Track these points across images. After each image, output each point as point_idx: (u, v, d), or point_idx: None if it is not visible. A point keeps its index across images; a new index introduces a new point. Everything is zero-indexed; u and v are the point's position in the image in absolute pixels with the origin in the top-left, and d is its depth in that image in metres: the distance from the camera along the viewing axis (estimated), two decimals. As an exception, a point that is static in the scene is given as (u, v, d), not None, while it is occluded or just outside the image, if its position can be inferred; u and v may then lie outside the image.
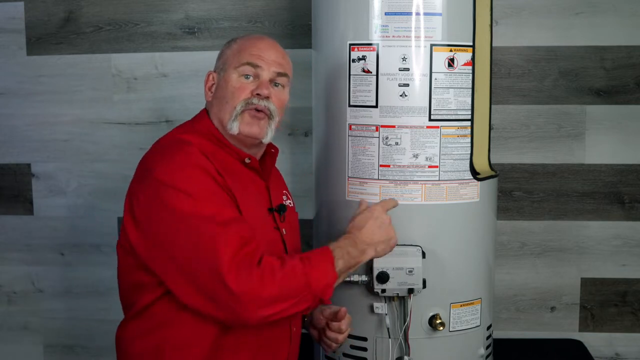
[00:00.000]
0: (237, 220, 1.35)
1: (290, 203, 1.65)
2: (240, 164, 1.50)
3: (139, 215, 1.37)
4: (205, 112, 1.54)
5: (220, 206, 1.35)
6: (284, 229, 1.54)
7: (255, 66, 1.46)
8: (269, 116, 1.47)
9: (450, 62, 1.68)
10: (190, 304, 1.34)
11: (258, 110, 1.45)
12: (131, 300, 1.48)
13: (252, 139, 1.48)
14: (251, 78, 1.47)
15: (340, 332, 1.57)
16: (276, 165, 1.67)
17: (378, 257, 1.52)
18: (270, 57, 1.48)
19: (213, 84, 1.52)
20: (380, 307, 1.70)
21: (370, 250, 1.48)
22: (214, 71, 1.53)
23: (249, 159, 1.50)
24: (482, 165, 1.82)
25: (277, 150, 1.61)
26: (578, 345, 2.30)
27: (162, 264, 1.36)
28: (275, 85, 1.50)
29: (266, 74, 1.47)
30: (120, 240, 1.47)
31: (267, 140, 1.50)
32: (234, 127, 1.45)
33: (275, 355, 1.51)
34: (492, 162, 1.88)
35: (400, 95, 1.67)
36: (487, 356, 1.84)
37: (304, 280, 1.33)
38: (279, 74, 1.49)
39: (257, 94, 1.45)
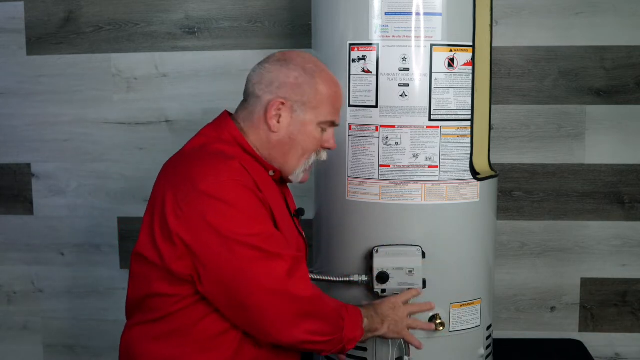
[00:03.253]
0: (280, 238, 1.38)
1: None
2: (266, 174, 1.48)
3: (180, 229, 1.30)
4: (229, 121, 1.46)
5: (264, 223, 1.36)
6: (303, 233, 1.56)
7: (335, 126, 1.48)
8: None
9: (450, 62, 1.68)
10: (240, 324, 1.38)
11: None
12: (148, 307, 1.41)
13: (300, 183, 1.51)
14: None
15: None
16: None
17: (387, 336, 1.57)
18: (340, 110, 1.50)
19: (280, 114, 1.41)
20: (380, 307, 1.70)
21: (387, 323, 1.54)
22: (283, 100, 1.41)
23: (273, 171, 1.49)
24: (482, 165, 1.82)
25: None
26: (578, 345, 2.30)
27: (209, 285, 1.33)
28: None
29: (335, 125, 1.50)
30: (141, 250, 1.38)
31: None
32: (299, 177, 1.48)
33: None
34: (492, 162, 1.88)
35: (400, 95, 1.67)
36: (487, 356, 1.84)
37: (341, 325, 1.40)
38: None
39: (327, 147, 1.48)
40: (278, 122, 1.42)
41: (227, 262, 1.30)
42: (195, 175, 1.32)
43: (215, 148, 1.41)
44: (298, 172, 1.45)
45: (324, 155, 1.47)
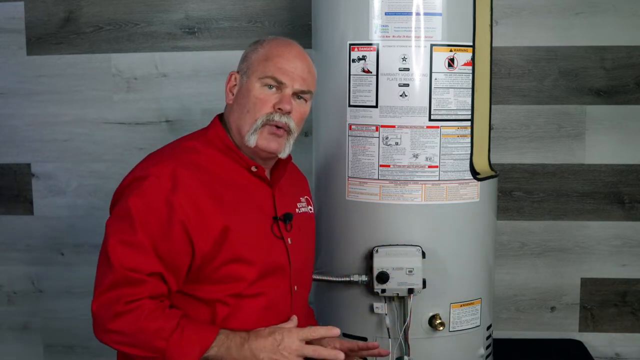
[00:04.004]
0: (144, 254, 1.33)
1: (310, 209, 1.63)
2: (246, 171, 1.48)
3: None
4: (217, 121, 1.51)
5: (135, 232, 1.33)
6: (289, 238, 1.50)
7: (279, 82, 1.44)
8: (288, 132, 1.45)
9: (450, 62, 1.68)
10: None
11: (278, 127, 1.44)
12: None
13: (268, 153, 1.46)
14: (274, 89, 1.44)
15: None
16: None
17: None
18: (296, 72, 1.44)
19: (235, 85, 1.48)
20: (380, 307, 1.70)
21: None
22: (237, 72, 1.50)
23: (255, 167, 1.48)
24: (482, 165, 1.82)
25: (289, 157, 1.56)
26: (578, 345, 2.30)
27: None
28: (298, 98, 1.47)
29: (289, 90, 1.44)
30: None
31: (284, 155, 1.48)
32: (252, 141, 1.43)
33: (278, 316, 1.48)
34: (492, 162, 1.88)
35: (400, 95, 1.67)
36: (487, 356, 1.84)
37: (162, 345, 1.30)
38: (302, 92, 1.47)
39: (279, 109, 1.43)
40: (233, 94, 1.49)
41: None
42: (139, 164, 1.44)
43: (184, 144, 1.47)
44: (250, 136, 1.43)
45: (276, 117, 1.42)
